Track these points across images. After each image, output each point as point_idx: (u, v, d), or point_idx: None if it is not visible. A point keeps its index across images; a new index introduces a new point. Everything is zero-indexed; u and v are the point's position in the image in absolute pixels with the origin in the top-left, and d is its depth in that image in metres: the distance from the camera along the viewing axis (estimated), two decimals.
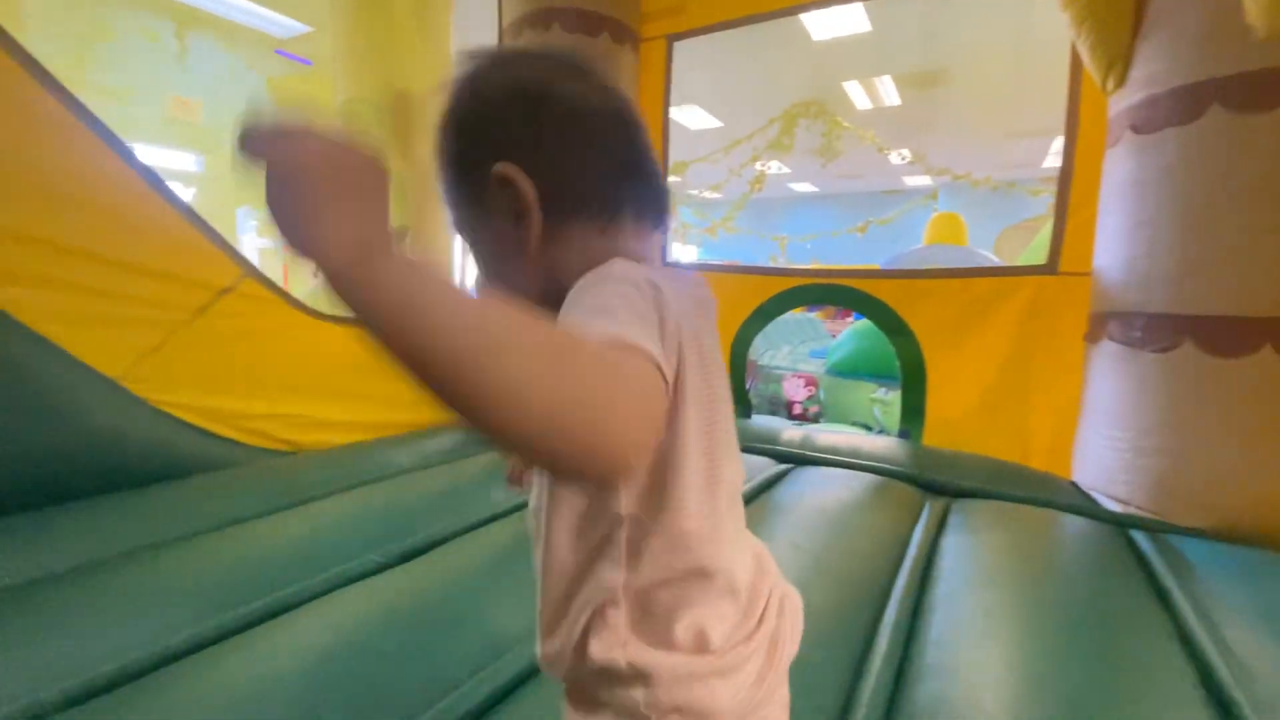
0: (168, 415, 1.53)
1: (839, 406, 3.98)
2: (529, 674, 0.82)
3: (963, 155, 8.07)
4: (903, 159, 7.00)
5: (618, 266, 0.39)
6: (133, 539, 1.17)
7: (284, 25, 5.59)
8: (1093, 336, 1.66)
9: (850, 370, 3.98)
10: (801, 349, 4.89)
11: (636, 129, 0.45)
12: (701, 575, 0.39)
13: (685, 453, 0.38)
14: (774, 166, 8.73)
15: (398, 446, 1.78)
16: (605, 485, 0.36)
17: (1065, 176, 1.80)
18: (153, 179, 1.46)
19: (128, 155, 1.42)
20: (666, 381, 0.33)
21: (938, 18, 4.85)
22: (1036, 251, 2.69)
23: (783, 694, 0.44)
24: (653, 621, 0.39)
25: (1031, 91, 5.86)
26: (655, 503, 0.38)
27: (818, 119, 6.65)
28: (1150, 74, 1.45)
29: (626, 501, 0.38)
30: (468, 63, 0.45)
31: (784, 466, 1.85)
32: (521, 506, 1.36)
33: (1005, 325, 1.98)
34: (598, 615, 0.39)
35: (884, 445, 1.97)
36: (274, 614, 0.97)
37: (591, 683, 0.40)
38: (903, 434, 2.16)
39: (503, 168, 0.40)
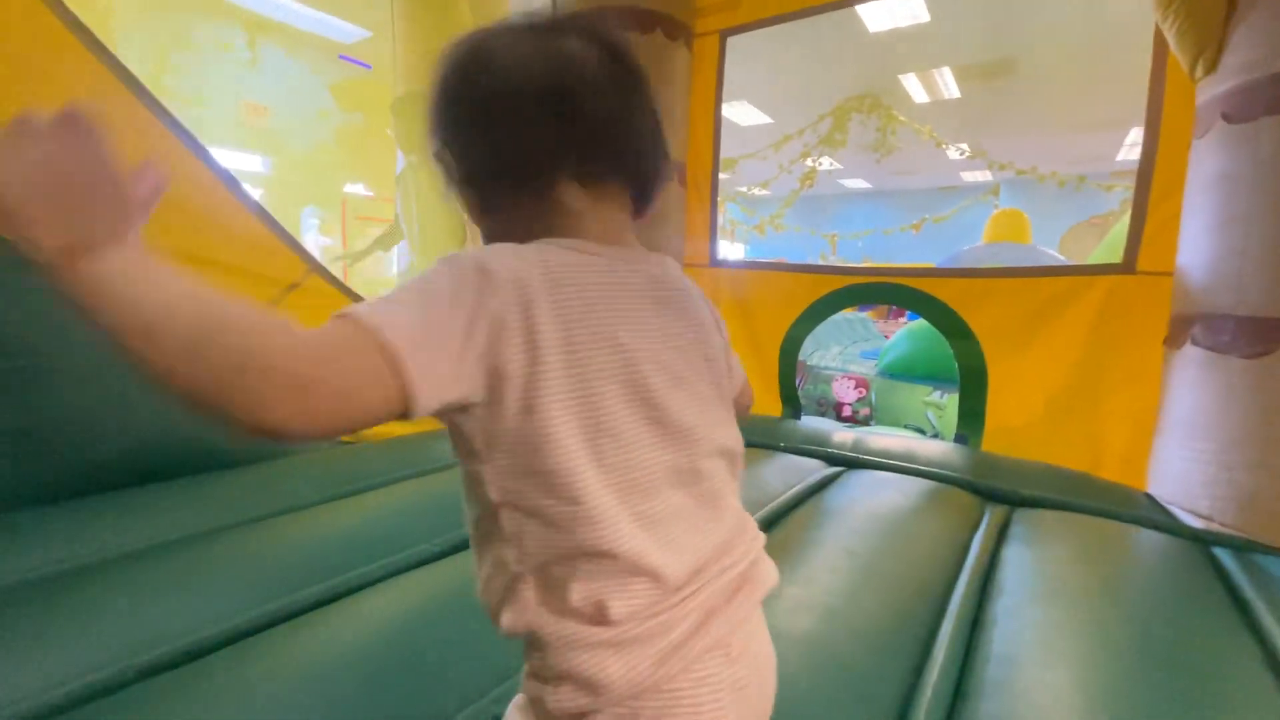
0: None
1: (891, 409, 3.87)
2: None
3: (1028, 149, 7.73)
4: (961, 154, 6.74)
5: (485, 253, 0.39)
6: (206, 521, 1.23)
7: (346, 31, 5.80)
8: (1174, 341, 1.56)
9: (904, 372, 3.86)
10: (852, 349, 4.78)
11: (590, 99, 0.43)
12: (592, 555, 0.39)
13: (551, 445, 0.38)
14: (825, 162, 8.54)
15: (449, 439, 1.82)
16: (277, 439, 0.34)
17: (1145, 170, 1.70)
18: (229, 180, 1.54)
19: (207, 158, 1.51)
20: (404, 377, 0.34)
21: (1003, 5, 4.65)
22: (1110, 249, 2.54)
23: (722, 676, 0.42)
24: (553, 592, 0.40)
25: (1106, 80, 5.55)
26: (524, 492, 0.40)
27: (872, 113, 6.48)
28: (1246, 59, 1.35)
29: (494, 491, 0.40)
30: (452, 46, 0.46)
31: (835, 469, 1.81)
32: None
33: (1075, 328, 1.88)
34: (509, 588, 0.42)
35: (940, 450, 1.90)
36: (335, 597, 1.01)
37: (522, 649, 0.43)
38: (959, 439, 2.08)
39: (434, 146, 0.45)
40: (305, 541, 1.17)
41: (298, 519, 1.27)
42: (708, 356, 0.49)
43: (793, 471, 1.72)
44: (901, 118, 6.17)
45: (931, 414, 3.68)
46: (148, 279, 0.31)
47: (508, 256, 0.40)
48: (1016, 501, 1.58)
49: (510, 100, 0.43)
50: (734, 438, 0.49)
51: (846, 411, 4.09)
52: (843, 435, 2.08)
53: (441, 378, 0.36)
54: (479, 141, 0.45)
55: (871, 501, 1.46)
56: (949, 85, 6.29)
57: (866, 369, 4.24)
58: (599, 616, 0.39)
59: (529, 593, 0.41)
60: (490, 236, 0.47)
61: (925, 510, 1.44)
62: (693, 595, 0.41)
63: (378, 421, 0.35)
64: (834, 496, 1.55)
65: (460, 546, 1.19)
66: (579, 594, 0.39)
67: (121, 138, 1.11)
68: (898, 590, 1.05)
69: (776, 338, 2.44)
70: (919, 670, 0.86)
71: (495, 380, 0.38)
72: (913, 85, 6.36)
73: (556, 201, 0.45)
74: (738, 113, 7.40)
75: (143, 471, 1.39)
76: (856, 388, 4.13)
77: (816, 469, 1.80)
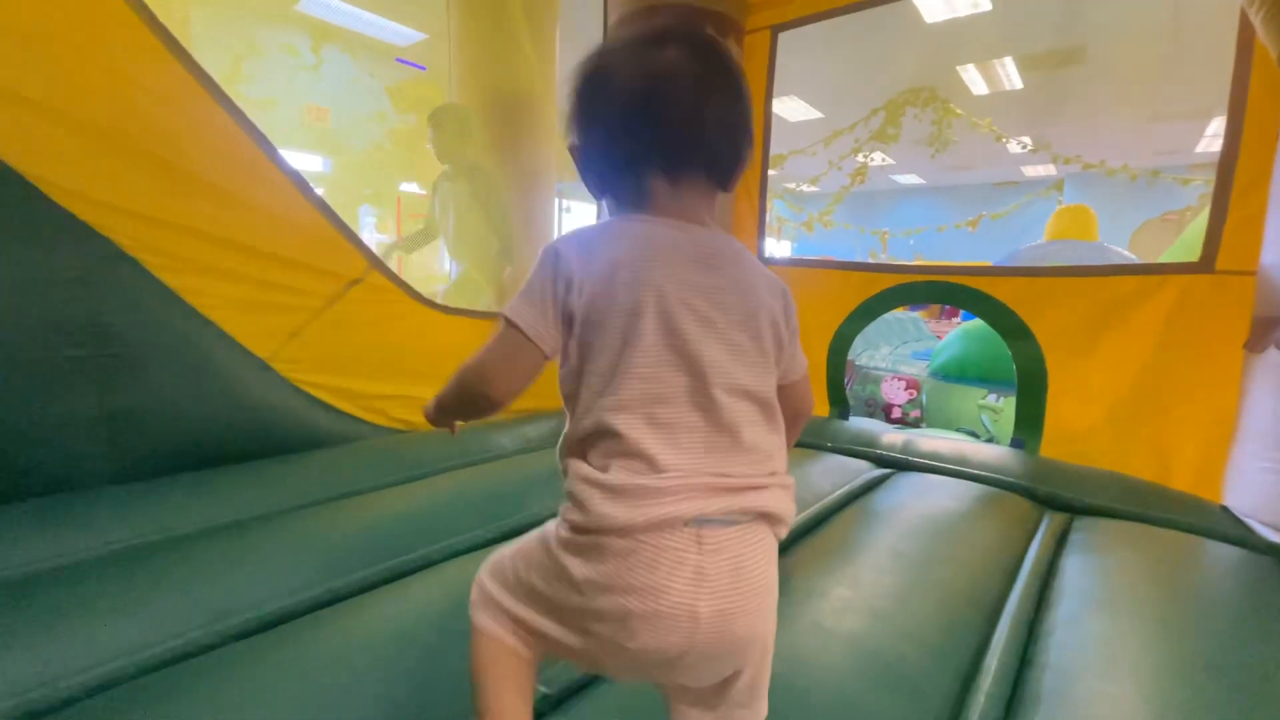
0: (305, 393, 1.70)
1: (943, 412, 3.76)
2: None
3: (1096, 141, 7.35)
4: (1023, 147, 6.46)
5: (560, 238, 0.57)
6: (274, 502, 1.31)
7: (402, 34, 5.99)
8: (1256, 344, 1.47)
9: (957, 374, 3.74)
10: (903, 349, 4.65)
11: (675, 103, 0.55)
12: (606, 433, 0.51)
13: (588, 366, 0.53)
14: (877, 158, 8.33)
15: (501, 430, 1.87)
16: (493, 413, 0.59)
17: (1228, 163, 1.60)
18: (299, 181, 1.63)
19: (279, 159, 1.59)
20: (533, 340, 0.54)
21: None
22: (1186, 247, 2.40)
23: (686, 555, 0.48)
24: (583, 453, 0.54)
25: (1185, 68, 5.23)
26: (574, 387, 0.55)
27: (927, 106, 6.29)
28: None
29: (562, 387, 0.57)
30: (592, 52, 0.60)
31: (883, 471, 1.78)
32: None
33: (1145, 329, 1.79)
34: (564, 449, 0.57)
35: (995, 454, 1.85)
36: (393, 578, 1.06)
37: None
38: (1015, 444, 2.01)
39: (565, 132, 0.60)
40: (366, 524, 1.23)
41: (359, 503, 1.33)
42: (748, 314, 0.56)
43: (840, 472, 1.70)
44: (959, 111, 5.96)
45: (986, 418, 3.55)
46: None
47: (573, 241, 0.56)
48: (1077, 509, 1.52)
49: (612, 115, 0.56)
50: (762, 385, 0.55)
51: (896, 413, 3.99)
52: (892, 437, 2.04)
53: (549, 330, 0.55)
54: (592, 144, 0.59)
55: (922, 504, 1.43)
56: (1011, 76, 6.05)
57: (917, 370, 4.12)
58: (602, 471, 0.51)
59: (571, 450, 0.55)
60: (609, 209, 0.62)
61: (978, 515, 1.41)
62: (679, 482, 0.49)
63: (539, 369, 0.56)
64: (883, 498, 1.52)
65: (511, 533, 1.23)
66: (595, 457, 0.52)
67: (204, 140, 1.18)
68: (949, 594, 1.03)
69: (825, 336, 2.41)
70: (971, 676, 0.84)
71: (568, 317, 0.54)
72: (971, 77, 6.14)
73: (645, 188, 0.57)
74: (787, 108, 7.30)
75: (217, 455, 1.48)
76: (907, 389, 4.02)
77: (864, 470, 1.77)
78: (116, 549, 1.08)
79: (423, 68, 6.52)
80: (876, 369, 4.28)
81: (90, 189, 1.31)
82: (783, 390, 0.60)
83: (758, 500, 0.51)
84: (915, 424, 3.93)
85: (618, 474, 0.50)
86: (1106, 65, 5.63)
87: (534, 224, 3.51)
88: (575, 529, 0.51)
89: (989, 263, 4.80)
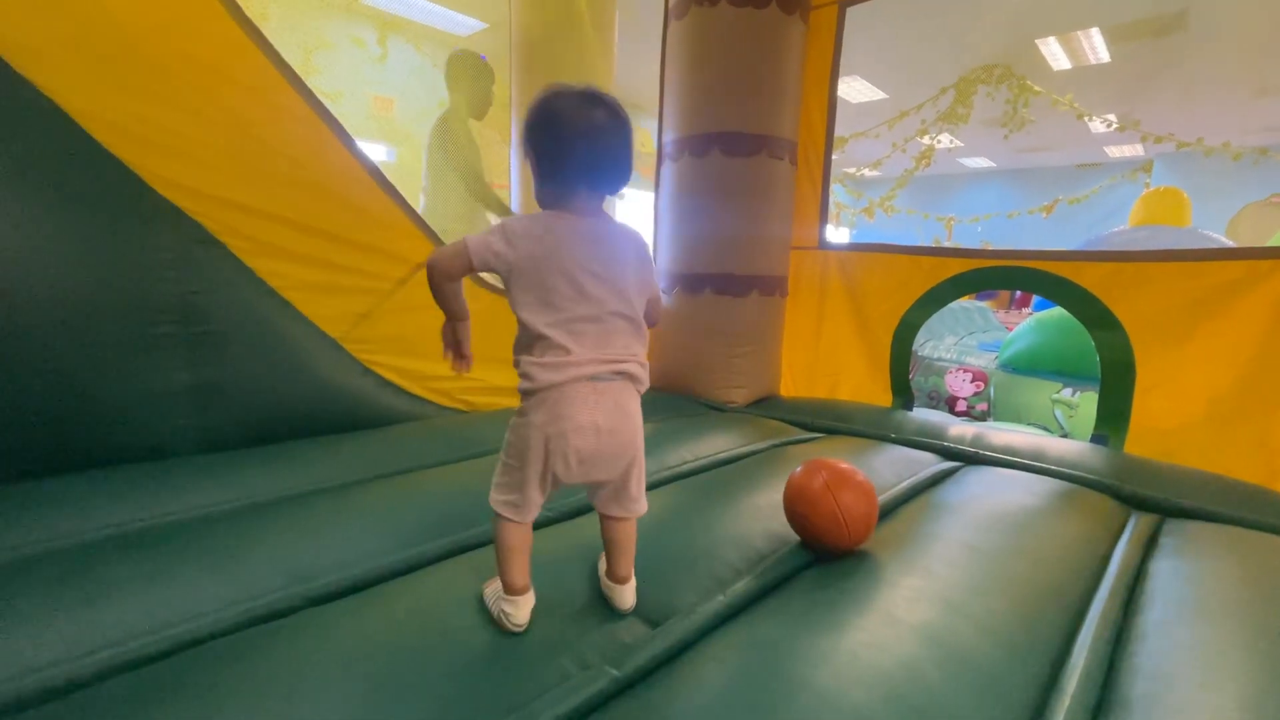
0: (374, 373, 1.76)
1: (1012, 406, 3.58)
2: (693, 640, 0.85)
3: (1192, 118, 6.79)
4: (1108, 126, 6.03)
5: (524, 218, 0.84)
6: (346, 474, 1.37)
7: (464, 24, 6.09)
8: None
9: (1029, 366, 3.55)
10: (969, 340, 4.45)
11: (601, 147, 0.83)
12: (542, 338, 0.81)
13: (520, 299, 0.82)
14: (944, 140, 7.95)
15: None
16: (438, 285, 0.87)
17: None
18: (370, 166, 1.68)
19: (352, 145, 1.64)
20: (468, 258, 0.80)
21: None
22: None
23: (587, 397, 0.81)
24: (528, 349, 0.83)
25: None
26: (520, 313, 0.82)
27: (1001, 84, 5.95)
28: None
29: (515, 309, 0.82)
30: (538, 95, 0.85)
31: (951, 465, 1.71)
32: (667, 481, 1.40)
33: (1249, 320, 1.65)
34: (518, 346, 0.84)
35: (1075, 449, 1.74)
36: (460, 550, 1.09)
37: None
38: (1097, 439, 1.90)
39: (527, 153, 0.86)
40: (432, 498, 1.27)
41: (425, 477, 1.38)
42: (622, 269, 0.85)
43: (904, 464, 1.64)
44: (1037, 88, 5.61)
45: (1060, 413, 3.37)
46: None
47: (518, 221, 0.83)
48: (1169, 511, 1.42)
49: (562, 148, 0.83)
50: (630, 310, 0.85)
51: (961, 407, 3.82)
52: (960, 429, 1.95)
53: (483, 259, 0.80)
54: (540, 161, 0.85)
55: (995, 499, 1.37)
56: (1097, 48, 5.64)
57: (985, 362, 3.93)
58: (540, 356, 0.81)
59: (521, 349, 0.84)
60: (542, 204, 0.88)
61: (1057, 511, 1.33)
62: (582, 361, 0.81)
63: (464, 272, 0.83)
64: (951, 492, 1.46)
65: (571, 514, 1.24)
66: (536, 349, 0.82)
67: (285, 128, 1.22)
68: (1028, 591, 0.98)
69: (888, 324, 2.33)
70: (1054, 676, 0.80)
71: (506, 272, 0.81)
72: (1052, 51, 5.76)
73: (571, 194, 0.85)
74: (850, 89, 7.06)
75: (293, 429, 1.56)
76: (973, 381, 3.85)
77: (930, 463, 1.71)
78: (204, 513, 1.15)
79: (484, 57, 6.62)
80: (940, 360, 4.11)
81: (184, 176, 1.39)
82: (651, 305, 0.92)
83: (624, 368, 0.84)
84: (981, 418, 3.76)
85: (548, 358, 0.81)
86: (1209, 33, 5.17)
87: None
88: (525, 393, 0.82)
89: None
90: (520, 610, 0.83)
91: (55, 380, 1.24)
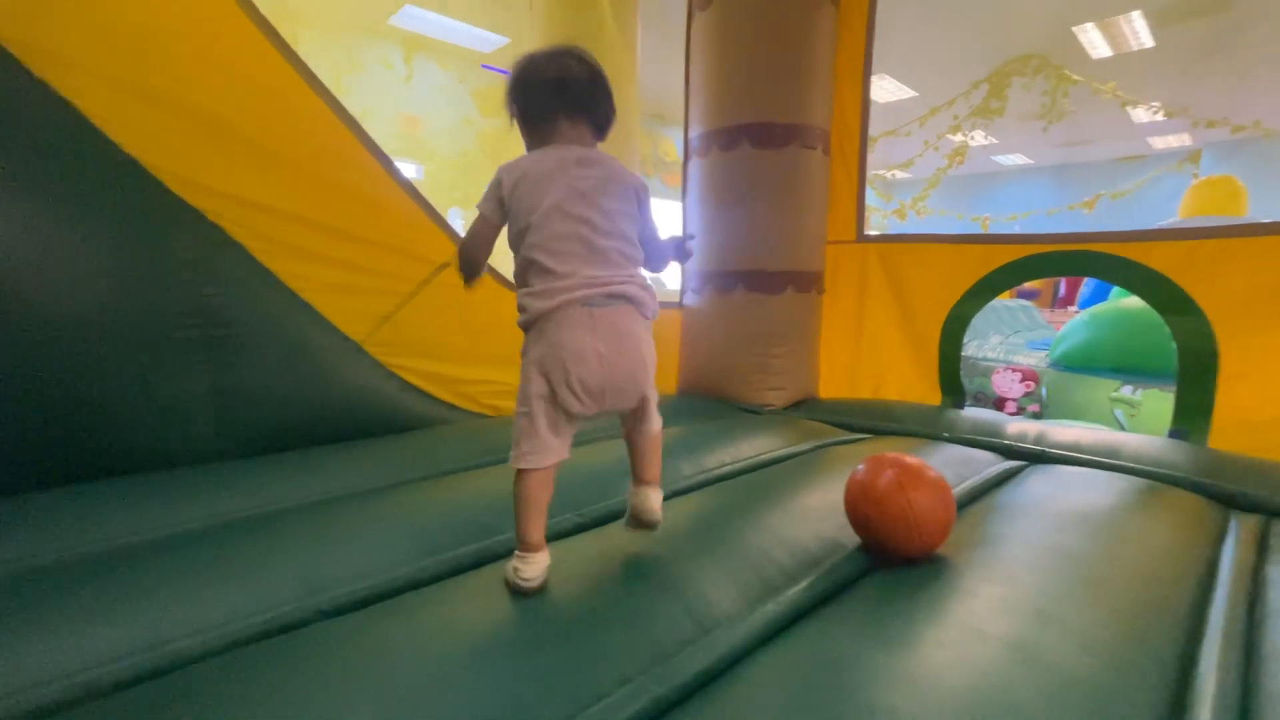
0: (398, 377, 1.71)
1: (1067, 406, 3.37)
2: (744, 653, 0.75)
3: (1244, 103, 6.45)
4: (1154, 113, 5.77)
5: (506, 164, 0.87)
6: (367, 480, 1.30)
7: (487, 39, 6.16)
8: None
9: (1084, 363, 3.34)
10: (1016, 339, 4.24)
11: (573, 84, 0.88)
12: (533, 263, 0.82)
13: (512, 229, 0.86)
14: (977, 137, 7.73)
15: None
16: (471, 271, 0.92)
17: None
18: (388, 164, 1.64)
19: (373, 146, 1.61)
20: (488, 220, 0.87)
21: None
22: None
23: (583, 320, 0.80)
24: (523, 276, 0.85)
25: None
26: (515, 243, 0.86)
27: (1038, 75, 5.76)
28: None
29: (510, 244, 0.87)
30: (563, 53, 0.90)
31: (1014, 464, 1.57)
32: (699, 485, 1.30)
33: None
34: (516, 275, 0.87)
35: (1154, 446, 1.59)
36: (484, 560, 1.01)
37: None
38: (1175, 435, 1.73)
39: (508, 102, 0.92)
40: (455, 505, 1.19)
41: (448, 483, 1.30)
42: (613, 189, 0.87)
43: (962, 464, 1.51)
44: (1076, 77, 5.40)
45: (1120, 412, 3.16)
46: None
47: (510, 164, 0.86)
48: (1273, 511, 1.26)
49: (537, 86, 0.89)
50: (622, 229, 0.86)
51: (1011, 408, 3.63)
52: (1020, 426, 1.81)
53: (492, 208, 0.86)
54: (524, 103, 0.91)
55: (1072, 498, 1.23)
56: (1139, 33, 5.40)
57: (1035, 360, 3.73)
58: (533, 284, 0.83)
59: (517, 278, 0.86)
60: (529, 145, 0.92)
61: (1145, 512, 1.19)
62: (572, 286, 0.80)
63: (493, 237, 0.88)
64: (1020, 492, 1.33)
65: (603, 520, 1.15)
66: (528, 278, 0.84)
67: (303, 128, 1.20)
68: (1128, 600, 0.85)
69: (935, 318, 2.20)
70: (1179, 702, 0.67)
71: (505, 210, 0.86)
72: (1091, 38, 5.54)
73: (556, 128, 0.89)
74: (877, 88, 6.91)
75: (315, 434, 1.51)
76: (1023, 381, 3.65)
77: (990, 462, 1.57)
78: (220, 521, 1.10)
79: (507, 73, 6.68)
80: (986, 360, 3.91)
81: (203, 177, 1.36)
82: (647, 241, 0.92)
83: (620, 289, 0.82)
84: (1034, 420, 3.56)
85: (537, 284, 0.82)
86: (1259, 11, 4.91)
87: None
88: (524, 329, 0.84)
89: None
90: (532, 567, 0.81)
91: (74, 386, 1.21)
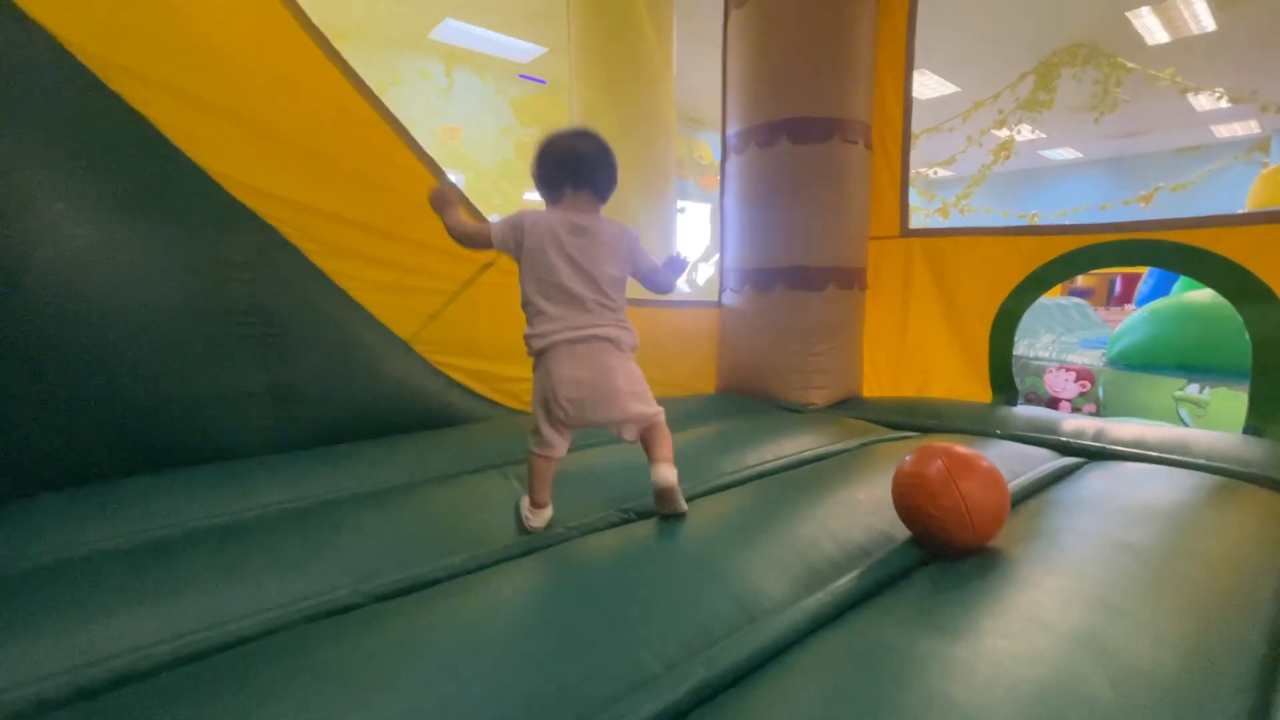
0: (444, 375, 1.75)
1: (1126, 406, 3.21)
2: (792, 641, 0.73)
3: None
4: (1216, 99, 5.47)
5: (533, 211, 1.07)
6: (415, 473, 1.34)
7: (524, 50, 6.27)
8: None
9: (1144, 361, 3.18)
10: (1069, 337, 4.07)
11: (579, 160, 1.08)
12: (534, 306, 1.05)
13: (523, 274, 1.06)
14: (1024, 130, 7.48)
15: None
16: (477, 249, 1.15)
17: None
18: (434, 166, 1.68)
19: (418, 149, 1.65)
20: (491, 237, 1.07)
21: None
22: None
23: (564, 357, 1.04)
24: (528, 318, 1.07)
25: None
26: (523, 286, 1.06)
27: (1088, 65, 5.54)
28: None
29: (522, 284, 1.07)
30: (572, 136, 1.11)
31: (1072, 460, 1.51)
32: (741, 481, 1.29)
33: None
34: (527, 317, 1.08)
35: (1226, 442, 1.50)
36: (530, 551, 1.02)
37: None
38: (1250, 432, 1.63)
39: (531, 170, 1.11)
40: (499, 498, 1.21)
41: (496, 475, 1.32)
42: (600, 256, 1.06)
43: (1017, 460, 1.45)
44: (1130, 65, 5.18)
45: (1186, 412, 2.99)
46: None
47: (527, 215, 1.06)
48: None
49: (550, 160, 1.09)
50: (602, 293, 1.06)
51: (1064, 409, 3.48)
52: (1077, 423, 1.73)
53: (497, 239, 1.06)
54: (540, 173, 1.10)
55: (1139, 494, 1.17)
56: (1199, 16, 5.14)
57: (1090, 359, 3.57)
58: (533, 327, 1.05)
59: (526, 318, 1.07)
60: (546, 204, 1.12)
61: (1219, 508, 1.13)
62: (560, 329, 1.03)
63: (482, 247, 1.09)
64: (1079, 488, 1.27)
65: (637, 515, 1.15)
66: (532, 321, 1.06)
67: (353, 133, 1.24)
68: (1206, 596, 0.80)
69: (983, 313, 2.13)
70: (1265, 699, 0.63)
71: (516, 254, 1.06)
72: (1147, 24, 5.30)
73: (562, 194, 1.08)
74: (917, 84, 6.75)
75: (366, 429, 1.55)
76: (1077, 380, 3.50)
77: (1046, 458, 1.51)
78: (277, 511, 1.14)
79: (544, 81, 6.79)
80: (1038, 359, 3.76)
81: (259, 182, 1.42)
82: (648, 278, 1.14)
83: (598, 332, 1.04)
84: None
85: (538, 328, 1.05)
86: None
87: (656, 216, 3.49)
88: (531, 357, 1.08)
89: None
90: (538, 517, 1.08)
91: (138, 382, 1.27)
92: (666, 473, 1.04)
